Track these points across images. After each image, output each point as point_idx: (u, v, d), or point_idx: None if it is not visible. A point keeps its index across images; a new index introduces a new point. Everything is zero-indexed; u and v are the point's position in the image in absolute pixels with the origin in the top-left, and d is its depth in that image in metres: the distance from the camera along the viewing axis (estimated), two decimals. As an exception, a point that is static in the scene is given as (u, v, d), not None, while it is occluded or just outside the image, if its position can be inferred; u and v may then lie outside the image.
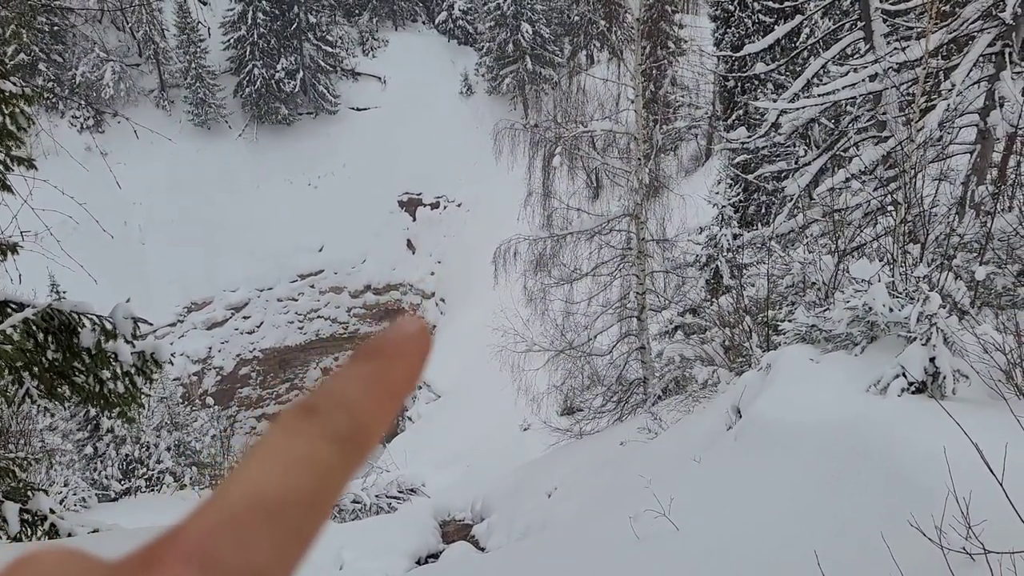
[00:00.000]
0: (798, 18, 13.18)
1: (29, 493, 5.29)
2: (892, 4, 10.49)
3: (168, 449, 18.95)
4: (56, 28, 35.36)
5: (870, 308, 5.28)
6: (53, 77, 35.01)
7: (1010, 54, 8.60)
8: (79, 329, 4.51)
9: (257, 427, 34.86)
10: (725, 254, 13.83)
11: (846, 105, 11.44)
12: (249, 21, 37.63)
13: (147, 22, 37.16)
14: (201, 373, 34.96)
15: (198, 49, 37.39)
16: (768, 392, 5.79)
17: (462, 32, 42.33)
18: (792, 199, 11.40)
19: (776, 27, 14.22)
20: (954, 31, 8.99)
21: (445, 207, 38.08)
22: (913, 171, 7.03)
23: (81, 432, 17.98)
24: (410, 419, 30.11)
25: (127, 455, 18.45)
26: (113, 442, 18.25)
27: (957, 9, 9.15)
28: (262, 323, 36.38)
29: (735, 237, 13.82)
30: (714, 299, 12.85)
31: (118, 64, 36.73)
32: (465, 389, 26.29)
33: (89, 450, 18.03)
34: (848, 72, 10.49)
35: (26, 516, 5.19)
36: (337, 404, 0.29)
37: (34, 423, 15.04)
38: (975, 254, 6.62)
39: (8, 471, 5.56)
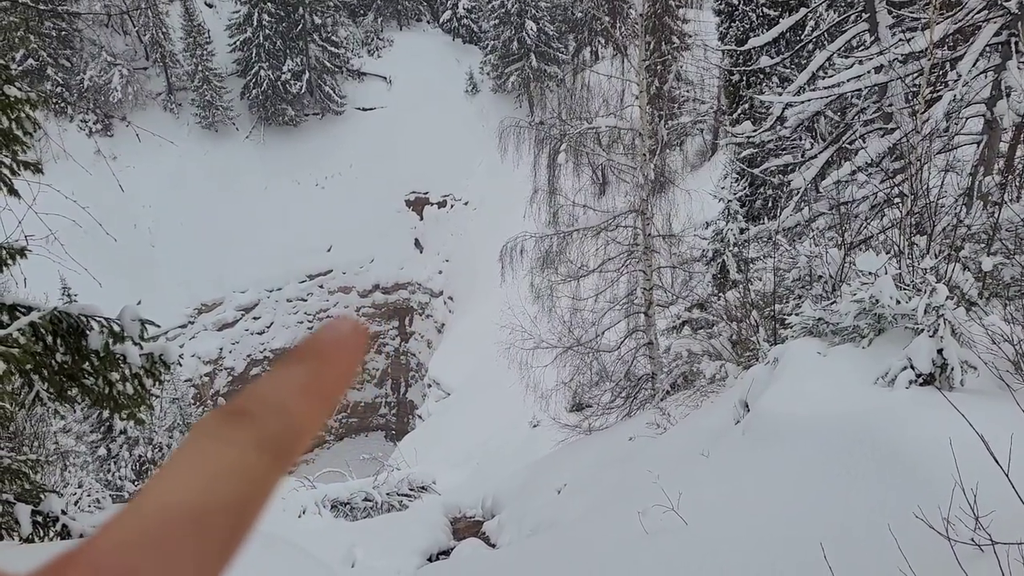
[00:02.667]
0: (803, 11, 13.13)
1: (41, 495, 5.35)
2: (897, -5, 10.43)
3: (180, 450, 19.10)
4: (63, 33, 35.56)
5: (877, 300, 5.26)
6: (61, 82, 35.21)
7: (1016, 43, 8.54)
8: (87, 332, 4.55)
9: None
10: (732, 248, 13.79)
11: (852, 97, 11.37)
12: (255, 23, 37.75)
13: (153, 26, 37.33)
14: (212, 374, 35.17)
15: (204, 52, 37.53)
16: (776, 386, 5.78)
17: (467, 31, 42.33)
18: (798, 192, 11.36)
19: (781, 20, 14.14)
20: (959, 21, 8.92)
21: (452, 205, 38.11)
22: (919, 162, 6.99)
23: (94, 434, 18.13)
24: (420, 417, 30.21)
25: (140, 456, 18.59)
26: (126, 443, 18.41)
27: (962, -1, 9.09)
28: (272, 323, 36.57)
29: (741, 231, 13.78)
30: (721, 294, 12.82)
31: (125, 68, 36.92)
32: (474, 386, 26.32)
33: (102, 451, 18.18)
34: (853, 64, 10.43)
35: (38, 518, 5.25)
36: (269, 408, 0.28)
37: (48, 425, 15.16)
38: (982, 245, 6.59)
39: (21, 473, 5.61)
